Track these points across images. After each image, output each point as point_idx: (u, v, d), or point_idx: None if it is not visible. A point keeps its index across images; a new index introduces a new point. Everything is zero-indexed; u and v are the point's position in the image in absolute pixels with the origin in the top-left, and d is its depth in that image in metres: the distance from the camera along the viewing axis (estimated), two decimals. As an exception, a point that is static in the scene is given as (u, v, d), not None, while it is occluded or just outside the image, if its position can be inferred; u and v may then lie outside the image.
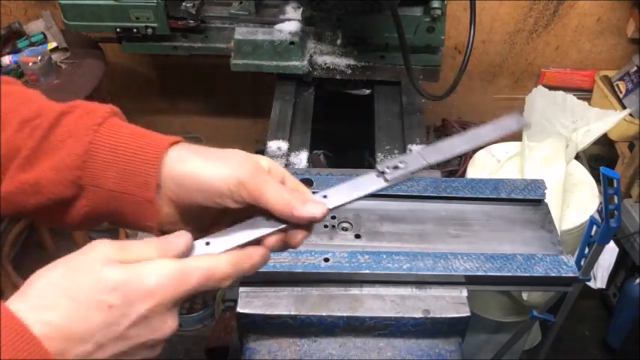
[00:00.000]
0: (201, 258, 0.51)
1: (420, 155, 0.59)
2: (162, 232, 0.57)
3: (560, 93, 1.58)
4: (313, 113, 1.46)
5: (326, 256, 0.89)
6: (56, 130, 0.57)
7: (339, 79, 1.52)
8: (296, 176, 1.03)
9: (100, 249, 0.49)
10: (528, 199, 1.02)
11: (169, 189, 0.56)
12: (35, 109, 0.59)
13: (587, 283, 1.51)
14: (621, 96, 2.05)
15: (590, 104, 1.63)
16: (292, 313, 0.84)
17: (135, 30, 1.54)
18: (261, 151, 1.45)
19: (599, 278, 1.83)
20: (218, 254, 0.52)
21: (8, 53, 1.70)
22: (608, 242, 1.22)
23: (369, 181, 0.60)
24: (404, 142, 1.35)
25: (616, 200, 1.12)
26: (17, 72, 1.68)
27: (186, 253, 0.51)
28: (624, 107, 1.97)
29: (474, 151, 1.77)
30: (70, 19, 1.54)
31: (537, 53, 2.21)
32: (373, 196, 1.00)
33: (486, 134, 0.65)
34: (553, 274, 0.88)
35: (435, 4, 1.39)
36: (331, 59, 1.50)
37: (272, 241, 0.56)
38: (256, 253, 0.54)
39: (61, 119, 0.58)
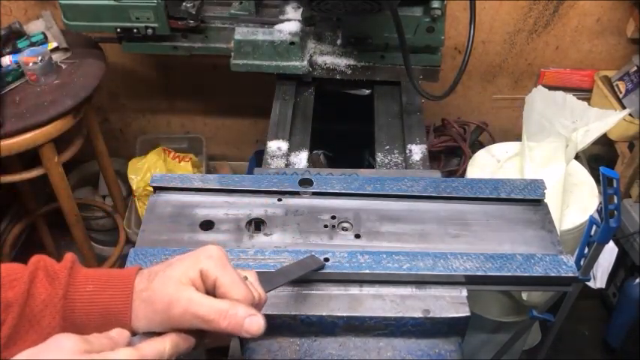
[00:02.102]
0: (151, 344, 0.62)
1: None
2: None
3: (560, 93, 1.58)
4: (313, 113, 1.46)
5: (326, 256, 0.89)
6: (30, 303, 0.65)
7: (339, 79, 1.52)
8: (296, 176, 1.04)
9: (66, 342, 0.56)
10: (528, 199, 1.02)
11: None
12: None
13: (587, 283, 1.51)
14: (621, 96, 2.05)
15: (589, 104, 1.63)
16: (292, 313, 0.84)
17: (135, 30, 1.54)
18: (261, 151, 1.45)
19: (599, 278, 1.83)
20: (163, 338, 0.63)
21: (8, 53, 1.70)
22: (607, 242, 1.22)
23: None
24: (404, 142, 1.35)
25: (616, 200, 1.13)
26: (17, 72, 1.68)
27: (130, 343, 0.62)
28: (624, 107, 1.97)
29: (474, 151, 1.77)
30: (70, 19, 1.54)
31: (537, 53, 2.21)
32: (373, 196, 1.02)
33: (295, 271, 0.82)
34: (553, 274, 0.88)
35: (435, 4, 1.39)
36: (331, 59, 1.50)
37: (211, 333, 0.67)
38: (191, 338, 0.65)
39: (31, 290, 0.65)
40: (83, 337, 0.57)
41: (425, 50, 1.50)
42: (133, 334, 0.64)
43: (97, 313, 0.65)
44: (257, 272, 0.73)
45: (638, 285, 1.94)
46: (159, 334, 0.64)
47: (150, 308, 0.64)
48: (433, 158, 2.11)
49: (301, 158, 1.31)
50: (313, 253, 0.89)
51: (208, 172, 2.43)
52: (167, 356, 0.62)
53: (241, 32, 1.47)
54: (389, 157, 1.32)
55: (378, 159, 1.32)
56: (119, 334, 0.61)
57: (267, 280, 0.75)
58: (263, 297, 0.70)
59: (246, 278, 0.69)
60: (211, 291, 0.66)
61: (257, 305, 0.68)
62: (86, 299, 0.66)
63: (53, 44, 1.76)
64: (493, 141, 2.10)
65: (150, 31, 1.54)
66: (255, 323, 0.64)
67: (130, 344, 0.61)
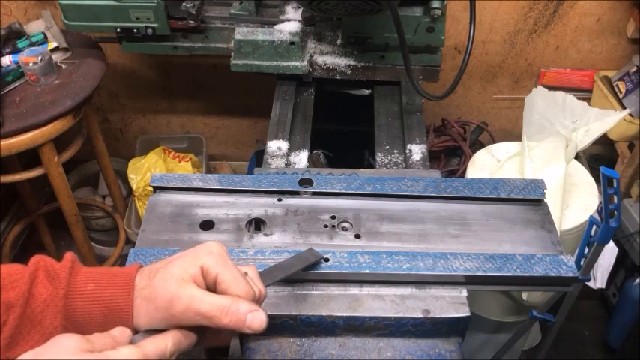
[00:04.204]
0: (153, 341, 0.62)
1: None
2: None
3: (560, 93, 1.58)
4: (313, 113, 1.46)
5: (326, 256, 0.89)
6: (32, 303, 0.64)
7: (339, 79, 1.52)
8: (296, 176, 1.04)
9: (68, 342, 0.57)
10: (528, 199, 1.02)
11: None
12: None
13: (587, 283, 1.52)
14: (621, 96, 2.05)
15: (589, 104, 1.63)
16: (292, 313, 0.85)
17: (135, 30, 1.54)
18: (261, 152, 1.45)
19: (599, 278, 1.83)
20: (164, 335, 0.63)
21: (8, 53, 1.70)
22: (607, 242, 1.22)
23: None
24: (404, 142, 1.35)
25: (615, 200, 1.13)
26: (17, 72, 1.68)
27: (132, 341, 0.63)
28: (624, 107, 1.97)
29: (474, 151, 1.77)
30: (70, 19, 1.54)
31: (537, 53, 2.21)
32: (373, 196, 1.02)
33: (294, 265, 0.82)
34: (553, 274, 0.88)
35: (435, 4, 1.39)
36: (331, 59, 1.50)
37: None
38: (193, 335, 0.66)
39: (32, 289, 0.65)
40: (85, 336, 0.58)
41: (425, 50, 1.50)
42: (135, 331, 0.65)
43: (99, 311, 0.65)
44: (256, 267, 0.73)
45: (638, 285, 1.94)
46: (161, 331, 0.64)
47: (151, 306, 0.64)
48: (433, 158, 2.11)
49: (301, 158, 1.31)
50: (312, 247, 0.89)
51: (208, 172, 2.43)
52: (169, 353, 0.62)
53: (241, 32, 1.47)
54: (389, 157, 1.32)
55: (378, 159, 1.32)
56: (121, 332, 0.62)
57: (267, 274, 0.76)
58: (263, 292, 0.70)
59: (246, 274, 0.69)
60: (212, 287, 0.66)
61: (257, 300, 0.68)
62: (87, 298, 0.66)
63: (53, 44, 1.77)
64: (493, 141, 2.11)
65: (150, 31, 1.54)
66: (257, 319, 0.64)
67: (131, 342, 0.62)
